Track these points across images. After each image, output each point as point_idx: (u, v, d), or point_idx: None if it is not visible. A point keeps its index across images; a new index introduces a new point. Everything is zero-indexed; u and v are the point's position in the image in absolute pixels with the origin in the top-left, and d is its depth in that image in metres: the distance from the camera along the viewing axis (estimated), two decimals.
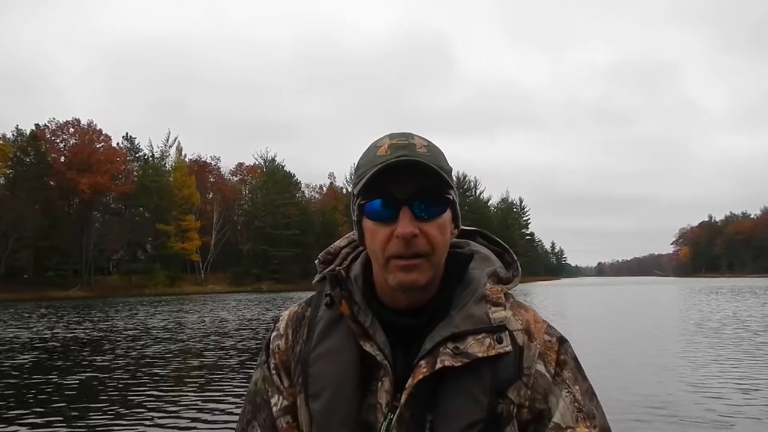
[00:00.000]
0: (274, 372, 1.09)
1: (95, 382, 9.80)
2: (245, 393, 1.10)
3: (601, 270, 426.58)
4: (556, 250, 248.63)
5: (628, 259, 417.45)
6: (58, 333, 18.19)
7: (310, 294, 1.13)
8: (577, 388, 1.01)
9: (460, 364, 0.96)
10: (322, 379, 1.02)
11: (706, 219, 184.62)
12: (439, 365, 0.96)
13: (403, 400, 0.96)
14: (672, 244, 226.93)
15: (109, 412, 7.62)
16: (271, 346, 1.12)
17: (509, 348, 0.98)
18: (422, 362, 0.97)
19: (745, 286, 53.40)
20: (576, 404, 0.99)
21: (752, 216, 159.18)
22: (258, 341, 14.92)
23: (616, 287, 68.05)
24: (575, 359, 1.04)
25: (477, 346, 0.97)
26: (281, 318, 1.15)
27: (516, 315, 1.04)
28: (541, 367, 1.00)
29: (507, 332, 1.00)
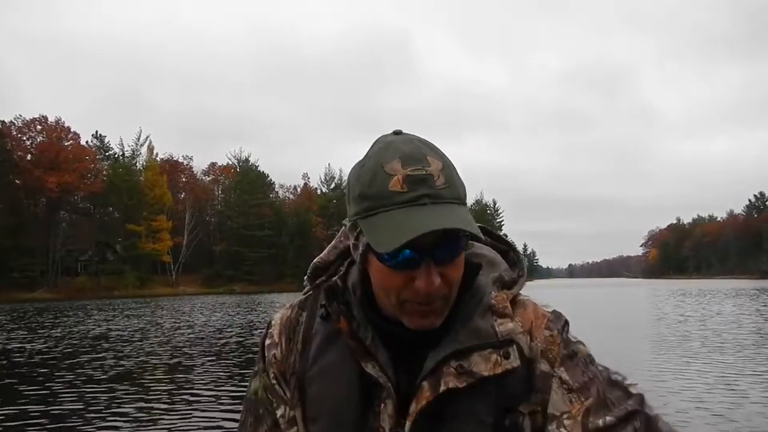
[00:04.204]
0: (275, 381, 1.03)
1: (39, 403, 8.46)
2: (239, 404, 1.02)
3: (572, 272, 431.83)
4: (527, 252, 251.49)
5: (598, 260, 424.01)
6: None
7: (283, 296, 1.06)
8: (563, 369, 0.93)
9: (464, 384, 0.90)
10: (320, 401, 0.96)
11: (674, 221, 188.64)
12: (443, 387, 0.90)
13: (407, 428, 0.91)
14: (641, 246, 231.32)
15: None
16: (267, 355, 1.04)
17: (517, 363, 0.92)
18: (425, 383, 0.91)
19: (716, 289, 54.19)
20: (564, 386, 0.93)
21: (719, 219, 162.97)
22: (232, 351, 14.45)
23: (592, 289, 68.58)
24: (568, 340, 0.97)
25: (482, 364, 0.91)
26: (273, 323, 1.06)
27: (517, 318, 0.97)
28: (544, 366, 0.94)
29: (515, 346, 0.93)
